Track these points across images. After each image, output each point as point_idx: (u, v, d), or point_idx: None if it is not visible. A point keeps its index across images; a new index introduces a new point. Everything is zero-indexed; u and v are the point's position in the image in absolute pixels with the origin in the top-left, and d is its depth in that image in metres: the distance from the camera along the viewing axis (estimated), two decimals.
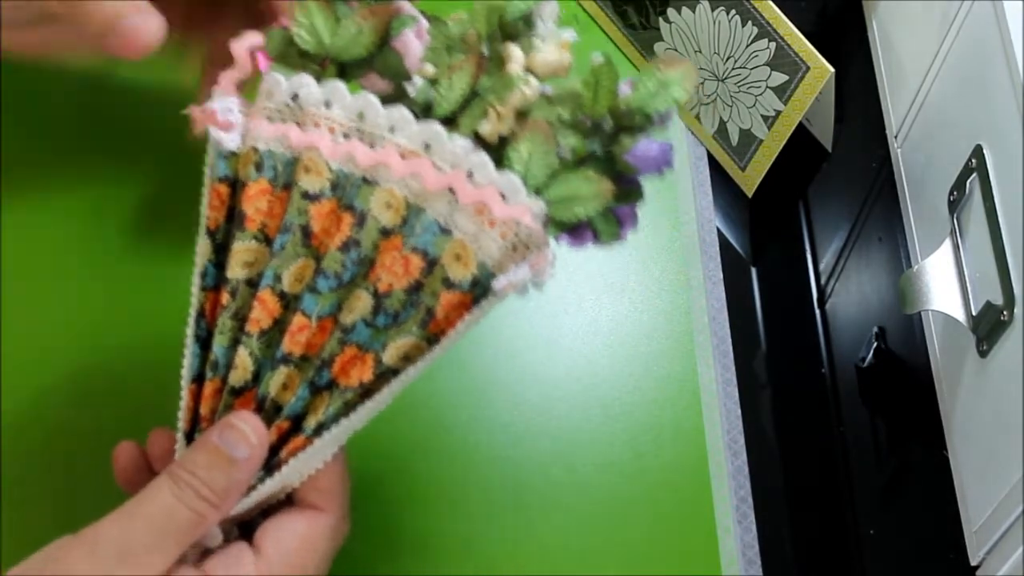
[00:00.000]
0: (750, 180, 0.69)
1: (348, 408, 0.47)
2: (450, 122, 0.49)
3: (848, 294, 0.67)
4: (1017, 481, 0.51)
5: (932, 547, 0.59)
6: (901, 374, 0.64)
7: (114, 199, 0.64)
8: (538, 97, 0.49)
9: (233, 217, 0.50)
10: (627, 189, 0.49)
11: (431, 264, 0.47)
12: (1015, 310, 0.51)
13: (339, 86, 0.50)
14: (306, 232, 0.49)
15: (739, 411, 0.63)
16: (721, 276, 0.66)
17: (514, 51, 0.50)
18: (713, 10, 0.67)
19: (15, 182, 0.63)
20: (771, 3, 0.64)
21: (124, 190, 0.64)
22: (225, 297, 0.49)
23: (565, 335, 0.63)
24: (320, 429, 0.47)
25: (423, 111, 0.50)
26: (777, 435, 0.64)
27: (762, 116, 0.67)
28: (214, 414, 0.49)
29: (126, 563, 0.43)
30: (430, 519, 0.58)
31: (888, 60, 0.70)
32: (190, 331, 0.49)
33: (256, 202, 0.50)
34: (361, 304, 0.47)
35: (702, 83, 0.70)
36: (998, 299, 0.52)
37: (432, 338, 0.47)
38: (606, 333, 0.64)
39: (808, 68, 0.64)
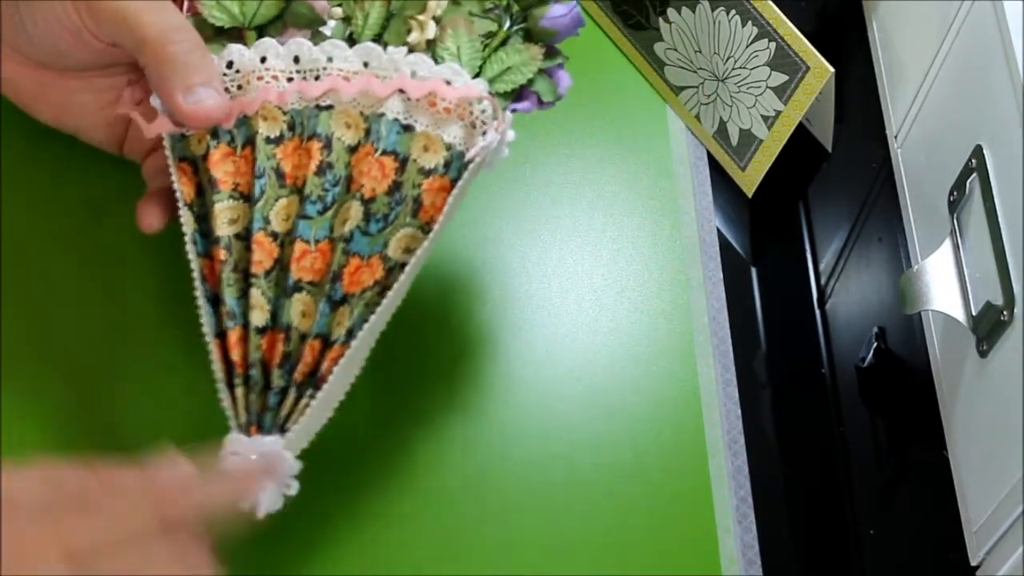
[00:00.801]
0: (750, 180, 0.69)
1: (370, 308, 0.50)
2: (376, 43, 0.54)
3: (848, 294, 0.67)
4: (1017, 481, 0.51)
5: (932, 547, 0.59)
6: (901, 374, 0.64)
7: (115, 198, 0.64)
8: (446, 2, 0.54)
9: (203, 190, 0.53)
10: (551, 53, 0.55)
11: (403, 162, 0.52)
12: (1015, 310, 0.51)
13: (268, 41, 0.54)
14: (279, 173, 0.53)
15: (739, 411, 0.63)
16: (721, 276, 0.66)
17: None
18: (713, 10, 0.67)
19: (15, 181, 0.63)
20: (771, 3, 0.64)
21: (124, 189, 0.64)
22: (221, 254, 0.52)
23: (565, 335, 0.63)
24: (351, 334, 0.50)
25: (348, 43, 0.54)
26: (777, 435, 0.64)
27: (762, 116, 0.67)
28: (246, 358, 0.51)
29: None
30: (429, 519, 0.58)
31: (888, 60, 0.70)
32: (199, 293, 0.52)
33: (223, 165, 0.53)
34: (352, 213, 0.51)
35: (702, 83, 0.70)
36: (998, 299, 0.52)
37: (425, 226, 0.51)
38: (606, 333, 0.64)
39: (808, 68, 0.64)
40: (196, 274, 0.52)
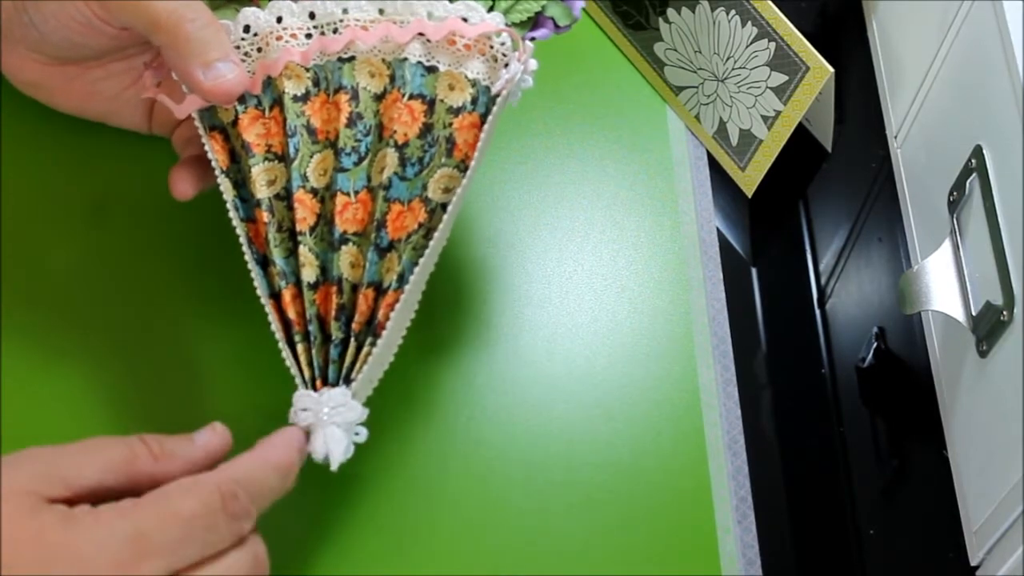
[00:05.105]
0: (750, 180, 0.69)
1: (419, 252, 0.51)
2: None
3: (848, 294, 0.67)
4: (1017, 481, 0.51)
5: (932, 547, 0.59)
6: (901, 374, 0.64)
7: (114, 198, 0.64)
8: None
9: (236, 156, 0.54)
10: None
11: (431, 104, 0.52)
12: (1015, 310, 0.51)
13: (280, 2, 0.54)
14: (310, 130, 0.53)
15: (739, 411, 0.63)
16: (721, 276, 0.66)
17: None
18: (713, 10, 0.67)
19: (15, 181, 0.63)
20: (771, 3, 0.64)
21: (124, 189, 0.64)
22: (264, 216, 0.52)
23: (565, 335, 0.63)
24: (403, 279, 0.51)
25: None
26: (777, 435, 0.64)
27: (762, 116, 0.67)
28: (303, 315, 0.51)
29: (41, 473, 0.44)
30: (428, 519, 0.58)
31: (888, 60, 0.70)
32: (248, 257, 0.52)
33: (253, 129, 0.53)
34: (388, 160, 0.52)
35: (702, 83, 0.70)
36: (998, 299, 0.52)
37: (461, 164, 0.52)
38: (606, 333, 0.64)
39: (808, 68, 0.64)
40: (243, 239, 0.52)
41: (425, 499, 0.58)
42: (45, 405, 0.58)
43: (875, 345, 0.64)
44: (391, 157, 0.52)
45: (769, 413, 0.64)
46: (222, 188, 0.53)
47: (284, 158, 0.53)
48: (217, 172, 0.53)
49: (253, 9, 0.54)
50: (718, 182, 0.70)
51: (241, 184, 0.53)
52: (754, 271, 0.69)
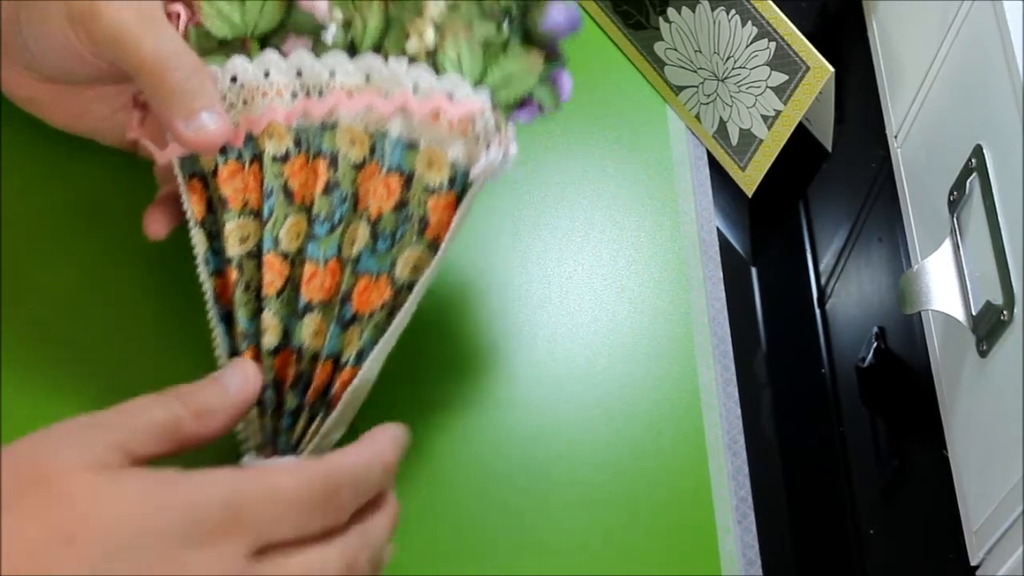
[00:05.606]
0: (750, 180, 0.69)
1: (380, 330, 0.51)
2: (377, 52, 0.53)
3: (848, 294, 0.67)
4: (1017, 481, 0.51)
5: (932, 547, 0.59)
6: (901, 374, 0.64)
7: (113, 198, 0.64)
8: (445, 5, 0.53)
9: (214, 206, 0.53)
10: (551, 56, 0.54)
11: (408, 179, 0.52)
12: (1015, 310, 0.51)
13: (270, 54, 0.54)
14: (287, 191, 0.53)
15: (739, 411, 0.63)
16: (721, 276, 0.66)
17: None
18: (713, 10, 0.67)
19: (15, 181, 0.63)
20: (771, 3, 0.64)
21: (125, 189, 0.64)
22: (233, 274, 0.52)
23: (565, 335, 0.63)
24: (361, 356, 0.50)
25: (348, 51, 0.54)
26: (777, 435, 0.64)
27: (762, 116, 0.67)
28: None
29: (97, 437, 0.43)
30: (428, 519, 0.58)
31: (888, 60, 0.70)
32: (212, 314, 0.52)
33: (232, 183, 0.53)
34: (360, 234, 0.51)
35: (702, 83, 0.70)
36: (998, 299, 0.52)
37: (432, 244, 0.51)
38: (606, 333, 0.64)
39: (808, 68, 0.64)
40: (209, 295, 0.52)
41: (424, 499, 0.58)
42: (46, 403, 0.58)
43: (875, 345, 0.64)
44: (363, 231, 0.51)
45: (769, 413, 0.64)
46: (194, 241, 0.53)
47: (259, 215, 0.52)
48: (191, 225, 0.53)
49: (242, 59, 0.54)
50: (718, 182, 0.70)
51: (215, 236, 0.53)
52: (754, 271, 0.69)
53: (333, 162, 0.52)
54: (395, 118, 0.52)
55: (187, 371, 0.58)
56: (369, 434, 0.49)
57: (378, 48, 0.53)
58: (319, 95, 0.53)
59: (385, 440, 0.49)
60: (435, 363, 0.62)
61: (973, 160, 0.56)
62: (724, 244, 0.68)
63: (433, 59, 0.53)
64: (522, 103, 0.53)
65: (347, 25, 0.54)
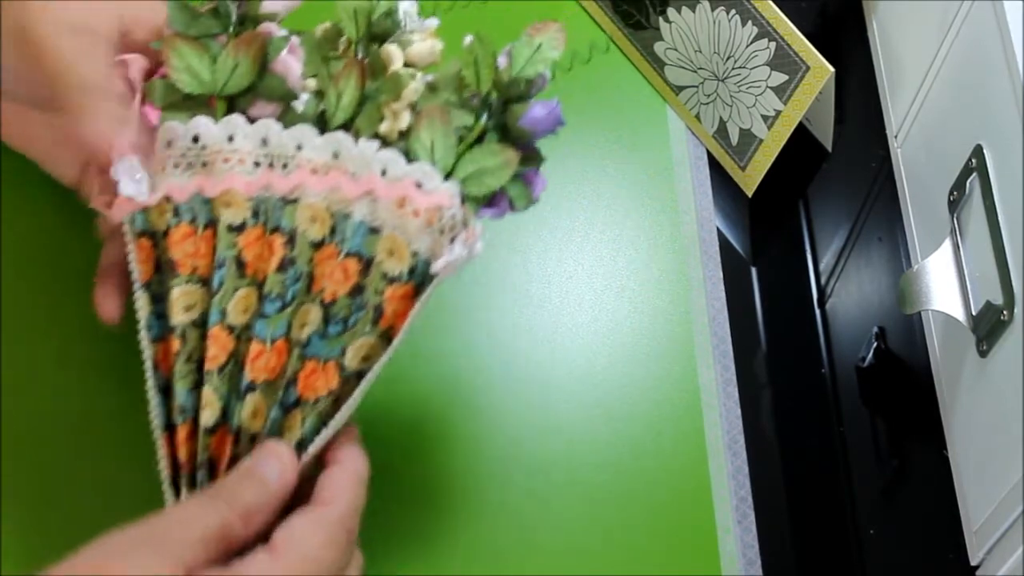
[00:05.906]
0: (750, 180, 0.69)
1: (323, 420, 0.48)
2: (347, 129, 0.51)
3: (848, 294, 0.67)
4: (1017, 481, 0.51)
5: (932, 547, 0.59)
6: (901, 374, 0.64)
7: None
8: (424, 88, 0.51)
9: (162, 267, 0.51)
10: (528, 155, 0.51)
11: (367, 264, 0.49)
12: (1015, 310, 0.51)
13: (236, 119, 0.51)
14: (239, 263, 0.50)
15: (739, 411, 0.63)
16: (721, 276, 0.66)
17: (394, 51, 0.52)
18: (713, 10, 0.67)
19: (15, 181, 0.63)
20: (771, 3, 0.64)
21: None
22: (175, 344, 0.50)
23: (565, 335, 0.63)
24: (303, 445, 0.48)
25: (318, 123, 0.51)
26: (777, 435, 0.64)
27: (762, 116, 0.67)
28: (194, 458, 0.49)
29: (158, 553, 0.43)
30: (428, 519, 0.58)
31: (888, 60, 0.70)
32: (150, 383, 0.50)
33: (183, 246, 0.50)
34: (311, 317, 0.49)
35: (702, 83, 0.70)
36: (998, 299, 0.52)
37: (385, 334, 0.49)
38: (606, 333, 0.64)
39: (808, 68, 0.64)
40: (148, 363, 0.50)
41: (425, 499, 0.58)
42: (46, 404, 0.58)
43: (875, 345, 0.64)
44: (315, 314, 0.49)
45: (769, 413, 0.64)
46: (137, 305, 0.50)
47: (208, 283, 0.50)
48: (136, 287, 0.50)
49: (206, 120, 0.51)
50: (718, 182, 0.70)
51: (160, 299, 0.50)
52: (754, 271, 0.69)
53: (291, 239, 0.50)
54: (360, 201, 0.49)
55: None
56: (333, 453, 0.49)
57: (349, 124, 0.51)
58: (283, 167, 0.50)
59: (353, 457, 0.49)
60: (435, 363, 0.62)
61: (973, 160, 0.56)
62: (724, 244, 0.68)
63: (406, 141, 0.50)
64: (492, 199, 0.51)
65: (319, 95, 0.52)
